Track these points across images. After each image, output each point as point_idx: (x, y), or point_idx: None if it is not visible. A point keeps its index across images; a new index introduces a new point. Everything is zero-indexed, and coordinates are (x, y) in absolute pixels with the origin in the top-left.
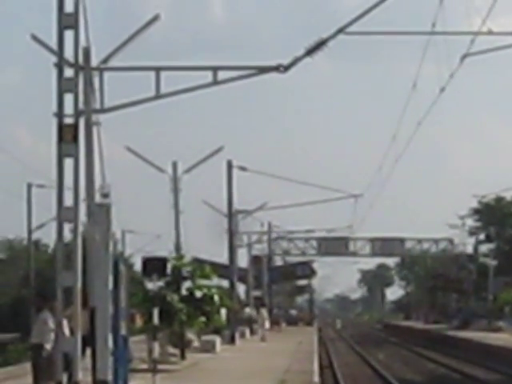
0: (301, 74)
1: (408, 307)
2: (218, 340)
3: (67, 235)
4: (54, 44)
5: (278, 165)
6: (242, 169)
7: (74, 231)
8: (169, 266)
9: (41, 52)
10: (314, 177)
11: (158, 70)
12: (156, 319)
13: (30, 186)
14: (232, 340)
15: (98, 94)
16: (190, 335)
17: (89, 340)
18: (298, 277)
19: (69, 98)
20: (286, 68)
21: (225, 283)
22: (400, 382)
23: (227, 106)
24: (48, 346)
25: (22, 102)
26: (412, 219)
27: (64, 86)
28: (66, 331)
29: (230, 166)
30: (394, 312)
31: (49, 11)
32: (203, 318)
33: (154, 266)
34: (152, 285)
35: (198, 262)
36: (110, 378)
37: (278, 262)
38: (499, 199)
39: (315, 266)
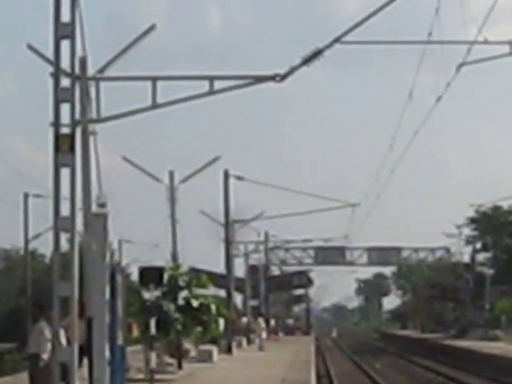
0: (297, 83)
1: (405, 316)
2: (214, 350)
3: (64, 245)
4: (50, 54)
5: (274, 174)
6: (239, 178)
7: (71, 241)
8: (165, 276)
9: (37, 62)
10: (311, 186)
11: (154, 79)
12: (153, 329)
13: (26, 196)
14: (229, 350)
15: (94, 103)
16: (187, 345)
17: (86, 350)
18: (294, 286)
19: (65, 108)
20: (283, 77)
21: (222, 293)
22: None
23: (224, 115)
24: (45, 356)
25: (18, 112)
26: (409, 228)
27: (60, 96)
28: (63, 341)
29: (226, 175)
30: (390, 321)
31: (45, 21)
32: (200, 328)
33: (150, 275)
34: (149, 294)
35: (195, 272)
36: None
37: (275, 271)
38: (496, 208)
39: (312, 275)
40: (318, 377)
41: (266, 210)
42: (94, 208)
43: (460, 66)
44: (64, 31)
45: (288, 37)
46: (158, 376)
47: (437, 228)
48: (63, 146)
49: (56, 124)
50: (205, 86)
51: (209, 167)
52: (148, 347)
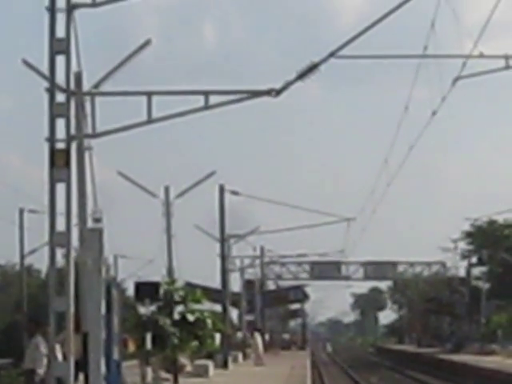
0: (292, 97)
1: (401, 331)
2: (210, 364)
3: (60, 260)
4: (45, 69)
5: (270, 189)
6: (234, 193)
7: (67, 256)
8: (161, 291)
9: (32, 77)
10: (307, 201)
11: (149, 94)
12: (149, 344)
13: (22, 212)
14: (225, 364)
15: (89, 118)
16: (183, 360)
17: (81, 365)
18: (290, 301)
19: (60, 123)
20: (278, 92)
21: (217, 307)
22: None
23: (219, 129)
24: (41, 371)
25: (13, 127)
26: (404, 243)
27: (56, 111)
28: (59, 356)
29: (222, 190)
30: (386, 336)
31: (40, 36)
32: (196, 343)
33: (146, 290)
34: (144, 309)
35: (191, 287)
36: None
37: (271, 286)
38: (491, 222)
39: (308, 290)
40: None
41: (262, 225)
42: (90, 223)
43: (456, 79)
44: (59, 46)
45: (283, 52)
46: None
47: (432, 242)
48: (58, 162)
49: (51, 139)
50: (200, 100)
51: (204, 182)
52: (144, 362)
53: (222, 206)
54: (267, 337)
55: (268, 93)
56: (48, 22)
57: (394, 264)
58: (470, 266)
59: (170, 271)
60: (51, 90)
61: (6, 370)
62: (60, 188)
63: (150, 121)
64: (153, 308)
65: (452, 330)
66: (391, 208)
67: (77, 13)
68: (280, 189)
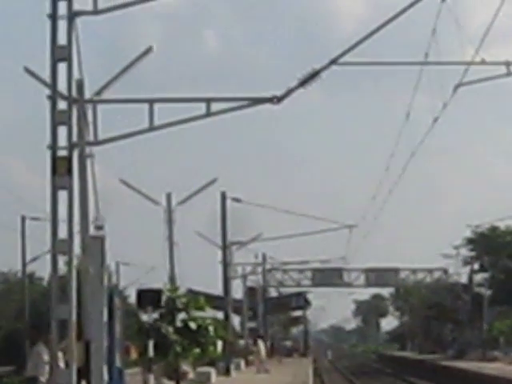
0: (294, 104)
1: (403, 337)
2: (213, 372)
3: (62, 268)
4: (47, 76)
5: (272, 196)
6: (236, 200)
7: (69, 264)
8: (163, 298)
9: (34, 84)
10: (308, 208)
11: (151, 102)
12: (151, 351)
13: (23, 219)
14: (227, 372)
15: (91, 126)
16: (185, 367)
17: (84, 372)
18: (292, 308)
19: (62, 131)
20: (280, 99)
21: (220, 315)
22: None
23: (221, 136)
24: (43, 379)
25: (15, 135)
26: (406, 249)
27: (57, 119)
28: (61, 364)
29: (223, 197)
30: (389, 342)
31: (42, 44)
32: (198, 350)
33: (148, 297)
34: (147, 317)
35: (193, 294)
36: None
37: (273, 293)
38: (493, 229)
39: (310, 296)
40: None
41: (264, 232)
42: (92, 230)
43: (457, 86)
44: (61, 54)
45: (285, 59)
46: None
47: (434, 249)
48: (60, 169)
49: (53, 147)
50: (202, 108)
51: (206, 189)
52: (146, 369)
53: (223, 213)
54: (269, 344)
55: (270, 100)
56: (50, 29)
57: (396, 271)
58: (472, 272)
59: (172, 278)
60: (53, 98)
61: (8, 378)
62: (62, 195)
63: (152, 128)
64: (155, 315)
65: (454, 336)
66: (393, 215)
67: (78, 20)
68: (281, 196)
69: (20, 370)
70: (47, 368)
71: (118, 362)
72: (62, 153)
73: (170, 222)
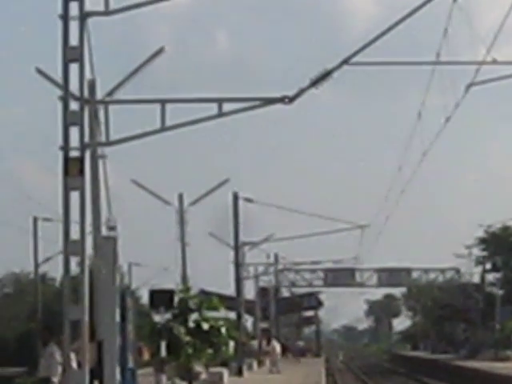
0: (306, 104)
1: (415, 337)
2: (225, 372)
3: (74, 269)
4: (58, 77)
5: (284, 196)
6: (248, 200)
7: (81, 264)
8: (176, 299)
9: (46, 85)
10: (320, 208)
11: (163, 102)
12: (163, 352)
13: (36, 220)
14: (239, 372)
15: (103, 127)
16: (198, 367)
17: (96, 373)
18: (304, 308)
19: (74, 132)
20: (291, 99)
21: (232, 315)
22: None
23: (232, 137)
24: (55, 380)
25: (27, 136)
26: (418, 249)
27: (69, 120)
28: (74, 364)
29: (235, 197)
30: (401, 342)
31: (53, 44)
32: (210, 350)
33: (160, 298)
34: (159, 317)
35: (205, 294)
36: None
37: (285, 293)
38: (505, 228)
39: (322, 297)
40: None
41: (276, 232)
42: (104, 231)
43: (469, 86)
44: (72, 55)
45: (297, 59)
46: None
47: (447, 249)
48: (72, 170)
49: (65, 147)
50: (214, 108)
51: (218, 189)
52: (158, 370)
53: (236, 214)
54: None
55: (281, 100)
56: (61, 30)
57: (409, 270)
58: (484, 272)
59: (184, 279)
60: (65, 99)
61: (21, 379)
62: (74, 196)
63: (164, 129)
64: (167, 316)
65: (466, 336)
66: (405, 214)
67: (90, 21)
68: (294, 196)
69: (32, 371)
70: (60, 368)
71: (130, 363)
72: (74, 154)
73: (182, 222)
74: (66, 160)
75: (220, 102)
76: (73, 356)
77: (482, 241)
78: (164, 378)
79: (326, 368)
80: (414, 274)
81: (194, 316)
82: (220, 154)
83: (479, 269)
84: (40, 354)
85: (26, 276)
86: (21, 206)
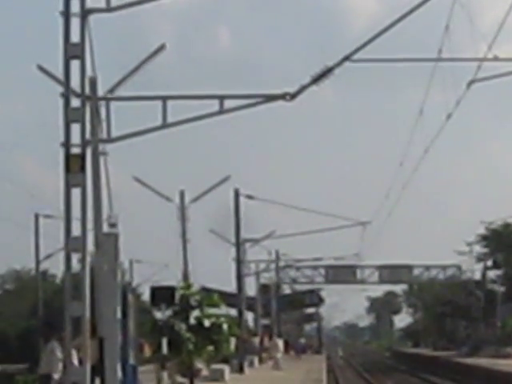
0: (307, 101)
1: (416, 334)
2: (226, 369)
3: (75, 265)
4: (60, 74)
5: (285, 193)
6: (249, 197)
7: (82, 261)
8: (177, 295)
9: (47, 82)
10: (322, 205)
11: (164, 99)
12: (165, 348)
13: (37, 217)
14: (241, 369)
15: (104, 123)
16: (199, 364)
17: (98, 370)
18: (306, 305)
19: (76, 128)
20: (293, 96)
21: (233, 312)
22: None
23: (234, 134)
24: (56, 376)
25: (28, 132)
26: (419, 246)
27: (71, 116)
28: (75, 361)
29: (237, 194)
30: (402, 339)
31: (55, 41)
32: (212, 347)
33: (162, 295)
34: (160, 314)
35: (206, 291)
36: None
37: (286, 290)
38: (507, 225)
39: (323, 294)
40: None
41: (277, 229)
42: (105, 228)
43: (470, 83)
44: (74, 51)
45: (298, 55)
46: None
47: (448, 246)
48: (74, 167)
49: (66, 144)
50: (215, 105)
51: (219, 186)
52: (160, 367)
53: (237, 211)
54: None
55: (283, 97)
56: (62, 27)
57: (410, 267)
58: (486, 269)
59: (185, 276)
60: (66, 95)
61: (22, 375)
62: (75, 193)
63: (165, 125)
64: (169, 313)
65: (468, 333)
66: (406, 211)
67: (91, 18)
68: (295, 192)
69: (34, 368)
70: (61, 365)
71: (131, 359)
72: (76, 150)
73: (183, 219)
74: (68, 157)
75: (221, 98)
76: (74, 353)
77: (484, 238)
78: (165, 374)
79: (327, 365)
80: (416, 271)
81: (195, 313)
82: (221, 151)
83: (480, 266)
84: (41, 350)
85: (27, 273)
86: (22, 202)
